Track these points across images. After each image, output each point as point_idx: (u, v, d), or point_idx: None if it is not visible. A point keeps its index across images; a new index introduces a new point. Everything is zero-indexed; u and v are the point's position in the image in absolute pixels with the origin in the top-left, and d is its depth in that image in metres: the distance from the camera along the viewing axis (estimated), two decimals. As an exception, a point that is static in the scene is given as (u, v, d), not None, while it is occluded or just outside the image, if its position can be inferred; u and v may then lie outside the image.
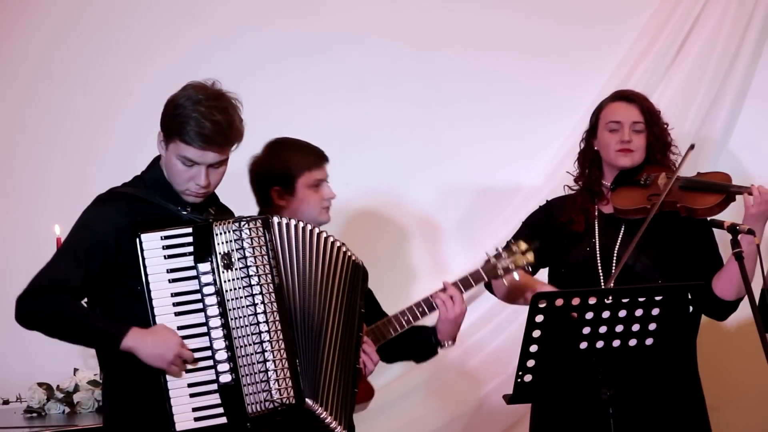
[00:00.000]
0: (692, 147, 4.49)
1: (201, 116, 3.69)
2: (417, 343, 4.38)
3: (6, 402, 4.81)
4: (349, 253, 3.94)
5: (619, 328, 3.91)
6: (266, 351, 3.68)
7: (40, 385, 4.74)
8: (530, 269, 4.37)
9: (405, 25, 5.47)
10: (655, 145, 4.51)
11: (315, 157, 4.30)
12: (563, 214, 4.54)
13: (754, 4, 5.33)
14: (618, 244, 4.45)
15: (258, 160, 4.34)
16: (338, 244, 3.91)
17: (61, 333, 3.66)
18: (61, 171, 5.38)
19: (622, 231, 4.47)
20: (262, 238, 3.74)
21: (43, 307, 3.62)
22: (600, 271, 4.45)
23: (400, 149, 5.39)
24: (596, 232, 4.48)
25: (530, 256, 4.32)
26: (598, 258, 4.46)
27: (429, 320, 4.37)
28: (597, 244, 4.47)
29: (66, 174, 5.33)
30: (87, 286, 3.67)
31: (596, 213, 4.54)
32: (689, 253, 4.48)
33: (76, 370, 4.71)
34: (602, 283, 4.41)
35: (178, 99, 3.72)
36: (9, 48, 5.42)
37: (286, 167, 4.25)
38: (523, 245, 4.32)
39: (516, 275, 4.32)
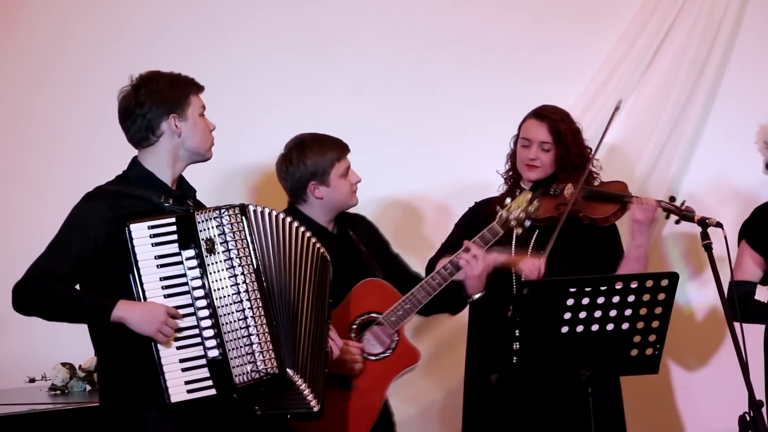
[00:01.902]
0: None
1: (179, 74, 3.96)
2: (450, 297, 4.50)
3: (32, 380, 4.90)
4: (318, 245, 4.06)
5: (598, 314, 4.02)
6: (250, 326, 3.81)
7: (63, 364, 4.83)
8: (538, 216, 4.43)
9: (400, 30, 5.51)
10: (561, 162, 4.66)
11: (340, 148, 4.51)
12: (489, 209, 4.66)
13: (723, 10, 5.38)
14: (531, 246, 4.61)
15: (288, 161, 4.50)
16: (308, 234, 4.04)
17: (55, 314, 3.79)
18: (75, 163, 5.43)
19: (535, 234, 4.61)
20: (241, 224, 3.87)
21: (35, 293, 3.75)
22: (513, 270, 4.60)
23: (396, 149, 5.45)
24: (514, 233, 4.56)
25: (537, 203, 4.41)
26: (513, 254, 4.60)
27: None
28: (513, 246, 4.62)
29: (79, 166, 5.38)
30: (77, 274, 3.79)
31: None
32: (596, 254, 4.63)
33: None
34: (514, 282, 4.56)
35: (149, 82, 3.90)
36: (10, 45, 5.47)
37: (319, 162, 4.45)
38: (528, 194, 4.43)
39: (527, 223, 4.40)
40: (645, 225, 4.55)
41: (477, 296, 4.48)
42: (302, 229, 4.03)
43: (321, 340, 4.05)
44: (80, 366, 4.88)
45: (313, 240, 4.06)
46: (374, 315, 4.42)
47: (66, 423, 4.37)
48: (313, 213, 4.52)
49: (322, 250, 4.08)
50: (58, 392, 4.82)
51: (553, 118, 4.70)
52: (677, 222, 4.57)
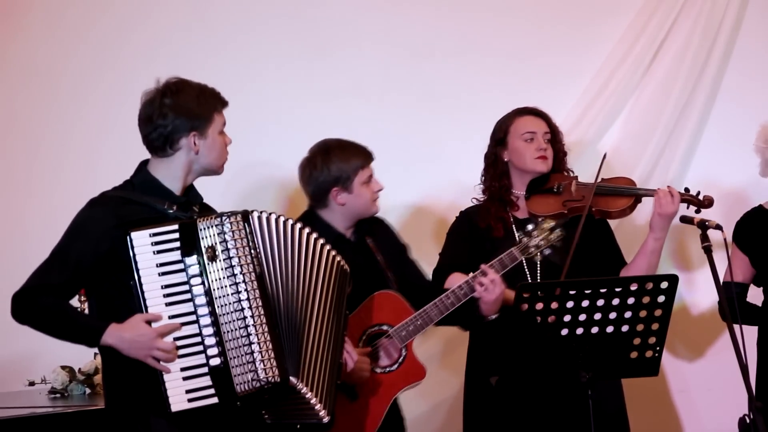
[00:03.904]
0: (605, 156, 4.64)
1: (206, 86, 3.90)
2: (464, 315, 4.43)
3: (32, 384, 4.90)
4: (336, 256, 3.99)
5: (598, 316, 4.01)
6: (251, 334, 3.74)
7: (63, 368, 4.84)
8: (561, 243, 4.40)
9: (400, 32, 5.52)
10: (558, 155, 4.69)
11: (365, 155, 4.46)
12: (481, 222, 4.64)
13: (723, 11, 5.40)
14: None
15: (313, 165, 4.46)
16: (321, 240, 3.96)
17: (48, 330, 3.77)
18: (82, 167, 5.44)
19: None
20: (243, 231, 3.80)
21: (30, 308, 3.73)
22: (526, 270, 4.60)
23: (397, 152, 5.39)
24: (516, 236, 4.55)
25: (559, 232, 4.38)
26: (524, 259, 4.53)
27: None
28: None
29: (86, 170, 5.40)
30: (75, 283, 3.77)
31: (511, 219, 4.66)
32: (597, 252, 4.64)
33: (96, 354, 4.72)
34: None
35: (177, 94, 3.83)
36: (15, 50, 5.48)
37: (344, 169, 4.41)
38: (551, 222, 4.39)
39: (548, 251, 4.38)
40: (668, 218, 4.57)
41: (492, 317, 4.42)
42: (314, 235, 3.95)
43: (335, 351, 3.97)
44: (80, 369, 4.88)
45: (327, 248, 3.98)
46: (385, 328, 4.38)
47: (66, 426, 4.36)
48: (332, 219, 4.46)
49: (339, 260, 4.01)
50: (58, 395, 4.83)
51: (545, 113, 4.72)
52: (697, 211, 4.59)
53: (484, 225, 4.65)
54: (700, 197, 4.61)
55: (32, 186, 5.50)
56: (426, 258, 4.77)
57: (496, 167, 4.74)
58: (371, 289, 4.39)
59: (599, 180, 4.63)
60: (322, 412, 3.87)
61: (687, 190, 4.62)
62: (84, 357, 4.80)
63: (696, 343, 5.42)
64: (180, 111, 3.83)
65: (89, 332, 3.75)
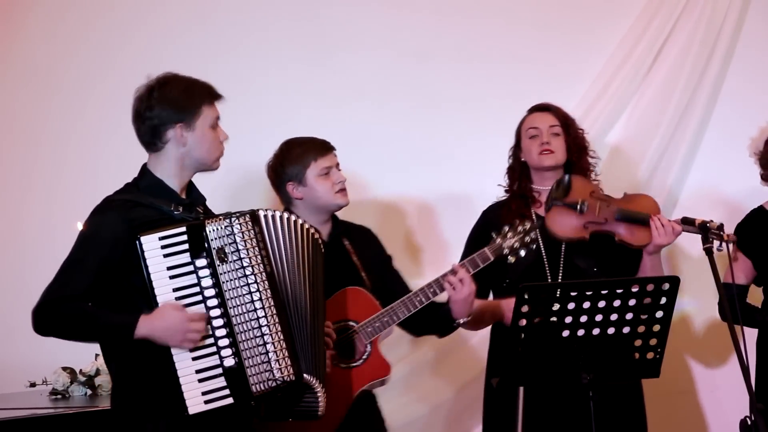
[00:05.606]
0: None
1: (197, 80, 3.88)
2: (437, 318, 4.43)
3: (33, 385, 4.89)
4: (316, 236, 3.98)
5: (599, 318, 3.98)
6: (265, 334, 3.74)
7: (64, 369, 4.81)
8: (534, 247, 4.38)
9: (402, 36, 5.53)
10: (572, 147, 4.66)
11: (319, 148, 4.45)
12: (502, 224, 4.51)
13: (723, 15, 5.43)
14: (562, 258, 4.58)
15: (272, 164, 4.50)
16: (312, 229, 3.96)
17: (76, 336, 3.74)
18: (81, 168, 5.45)
19: (563, 247, 4.59)
20: (252, 231, 3.78)
21: (56, 319, 3.69)
22: (547, 269, 4.58)
23: (397, 150, 5.47)
24: (538, 234, 4.51)
25: (533, 235, 4.36)
26: (545, 258, 4.57)
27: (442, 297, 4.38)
28: (542, 245, 4.58)
29: (85, 172, 5.41)
30: (96, 287, 3.71)
31: (534, 217, 4.61)
32: (621, 255, 4.59)
33: (97, 355, 4.77)
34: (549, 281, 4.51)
35: (164, 86, 3.82)
36: (15, 51, 5.49)
37: (295, 162, 4.42)
38: (527, 224, 4.36)
39: (522, 252, 4.35)
40: (663, 247, 4.54)
41: (463, 321, 4.40)
42: (307, 224, 3.96)
43: (323, 339, 3.99)
44: (81, 370, 4.85)
45: (312, 231, 3.97)
46: (351, 323, 4.35)
47: (67, 427, 4.33)
48: (301, 215, 4.37)
49: (320, 242, 4.00)
50: (59, 397, 4.80)
51: (556, 107, 4.71)
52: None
53: (502, 219, 4.58)
54: (722, 233, 4.45)
55: (31, 187, 5.49)
56: (429, 260, 4.77)
57: (515, 169, 4.75)
58: (342, 288, 4.37)
59: (622, 195, 4.61)
60: (321, 404, 3.89)
61: (719, 226, 4.48)
62: (85, 358, 4.80)
63: (698, 345, 5.43)
64: (165, 102, 3.81)
65: (121, 329, 3.69)
